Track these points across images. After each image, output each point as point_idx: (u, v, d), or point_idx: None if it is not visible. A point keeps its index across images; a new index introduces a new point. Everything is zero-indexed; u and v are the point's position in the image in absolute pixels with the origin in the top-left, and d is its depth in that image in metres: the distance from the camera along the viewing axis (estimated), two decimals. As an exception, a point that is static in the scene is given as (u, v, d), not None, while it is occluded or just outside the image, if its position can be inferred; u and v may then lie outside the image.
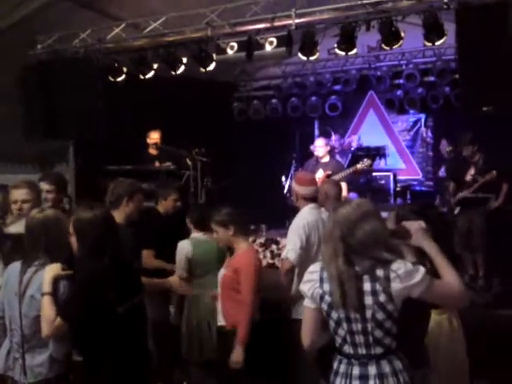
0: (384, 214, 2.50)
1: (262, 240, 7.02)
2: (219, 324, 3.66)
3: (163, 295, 4.29)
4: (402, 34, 5.29)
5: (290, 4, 5.41)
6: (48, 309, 2.60)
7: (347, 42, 5.41)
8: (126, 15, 6.35)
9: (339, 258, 2.14)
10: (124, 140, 7.01)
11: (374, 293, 2.09)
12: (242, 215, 3.69)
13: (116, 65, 6.54)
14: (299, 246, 3.66)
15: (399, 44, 5.38)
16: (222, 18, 5.72)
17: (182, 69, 6.23)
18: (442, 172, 7.34)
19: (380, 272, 2.09)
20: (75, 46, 6.39)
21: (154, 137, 6.97)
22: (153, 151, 7.01)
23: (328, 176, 6.37)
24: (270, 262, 6.92)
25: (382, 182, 8.50)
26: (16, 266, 2.82)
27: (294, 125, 9.81)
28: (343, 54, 5.62)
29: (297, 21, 5.36)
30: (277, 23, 5.52)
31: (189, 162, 6.89)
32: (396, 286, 2.07)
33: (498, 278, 6.04)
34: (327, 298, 2.18)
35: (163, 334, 4.23)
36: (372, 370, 2.13)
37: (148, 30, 6.09)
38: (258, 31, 5.64)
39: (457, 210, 6.40)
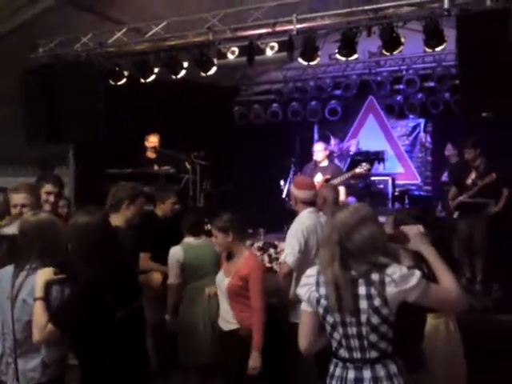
0: (382, 219, 2.52)
1: (259, 244, 7.01)
2: (229, 328, 3.59)
3: (161, 298, 4.29)
4: (403, 40, 5.31)
5: (291, 9, 5.43)
6: (39, 314, 2.57)
7: (348, 47, 5.43)
8: (127, 19, 6.37)
9: (335, 263, 2.15)
10: (124, 143, 7.02)
11: (369, 297, 2.10)
12: (241, 221, 3.69)
13: (117, 68, 6.55)
14: (298, 249, 3.68)
15: (400, 50, 5.40)
16: (223, 23, 5.74)
17: (182, 73, 6.24)
18: (444, 177, 7.31)
19: (375, 276, 2.10)
20: (76, 50, 6.41)
21: (153, 140, 6.99)
22: (151, 155, 7.03)
23: (327, 180, 6.38)
24: (268, 265, 6.90)
25: (381, 186, 8.51)
26: (9, 269, 2.79)
27: (294, 129, 9.84)
28: (344, 59, 5.64)
29: (298, 26, 5.38)
30: (278, 28, 5.53)
31: (188, 166, 6.90)
32: (391, 290, 2.08)
33: (497, 283, 6.04)
34: (323, 301, 2.20)
35: (161, 336, 4.23)
36: (367, 373, 2.14)
37: (149, 34, 6.11)
38: (259, 36, 5.66)
39: (456, 215, 6.41)
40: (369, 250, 2.13)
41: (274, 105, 9.43)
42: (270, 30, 5.57)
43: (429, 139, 9.46)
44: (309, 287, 2.25)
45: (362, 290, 2.11)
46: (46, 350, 2.67)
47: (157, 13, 6.14)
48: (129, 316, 2.62)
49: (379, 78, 8.70)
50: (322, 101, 9.24)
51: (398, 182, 8.92)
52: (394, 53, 5.53)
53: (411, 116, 9.09)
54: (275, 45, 5.53)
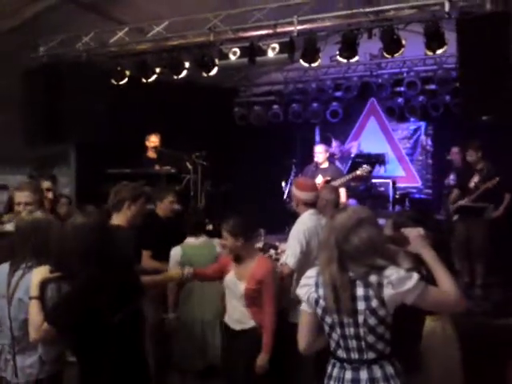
0: (382, 222, 2.52)
1: (260, 245, 7.02)
2: (243, 328, 3.56)
3: (162, 298, 4.30)
4: (404, 42, 5.32)
5: (292, 11, 5.45)
6: (35, 313, 2.58)
7: (349, 49, 5.44)
8: (129, 19, 6.38)
9: (333, 264, 2.15)
10: (125, 143, 7.03)
11: (367, 298, 2.11)
12: (251, 224, 3.69)
13: (119, 68, 6.56)
14: (299, 251, 3.69)
15: (400, 52, 5.41)
16: (224, 24, 5.76)
17: (184, 73, 6.25)
18: (451, 180, 7.26)
19: (373, 278, 2.11)
20: (78, 49, 6.41)
21: (154, 140, 7.00)
22: (152, 154, 7.03)
23: (327, 182, 6.39)
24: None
25: (382, 188, 8.54)
26: (4, 267, 2.80)
27: (294, 130, 9.85)
28: (345, 61, 5.65)
29: (299, 27, 5.40)
30: (279, 30, 5.55)
31: (189, 166, 6.91)
32: (388, 291, 2.09)
33: (497, 287, 6.05)
34: (322, 302, 2.20)
35: (161, 337, 4.24)
36: (363, 374, 2.15)
37: (151, 34, 6.12)
38: (261, 37, 5.67)
39: (455, 218, 6.42)
40: (367, 252, 2.13)
41: (275, 106, 9.44)
42: (271, 31, 5.59)
43: (430, 142, 9.47)
44: (308, 288, 2.26)
45: (359, 292, 2.12)
46: (42, 347, 2.70)
47: (159, 13, 6.14)
48: (127, 317, 2.61)
49: (380, 81, 8.70)
50: (323, 102, 9.24)
51: (399, 184, 8.93)
52: (395, 55, 5.54)
53: (412, 119, 9.10)
54: (276, 46, 5.55)
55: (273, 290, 3.47)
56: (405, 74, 8.54)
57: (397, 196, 8.49)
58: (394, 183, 8.59)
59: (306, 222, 3.85)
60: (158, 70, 6.38)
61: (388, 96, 8.83)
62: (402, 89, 8.55)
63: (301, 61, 5.74)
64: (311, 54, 5.63)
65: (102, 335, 2.55)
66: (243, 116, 9.55)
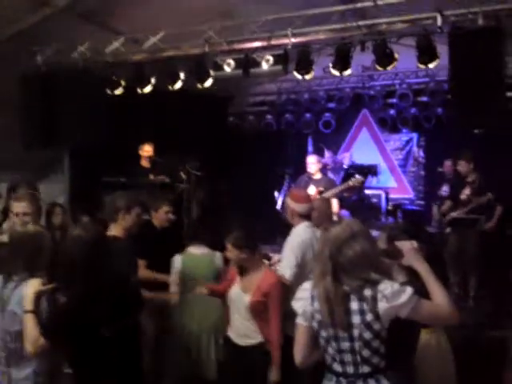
0: (375, 233, 2.54)
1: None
2: (250, 343, 3.53)
3: (163, 311, 4.30)
4: (396, 56, 5.37)
5: (286, 23, 5.49)
6: (31, 328, 2.57)
7: (342, 62, 5.47)
8: (125, 29, 6.41)
9: (327, 277, 2.17)
10: (120, 151, 7.04)
11: (362, 312, 2.12)
12: (254, 236, 3.65)
13: (114, 78, 6.58)
14: (294, 264, 3.68)
15: (393, 65, 5.45)
16: (219, 36, 5.79)
17: (179, 84, 6.28)
18: (441, 191, 7.30)
19: (367, 292, 2.13)
20: (74, 59, 6.42)
21: (148, 149, 7.01)
22: (146, 164, 7.04)
23: (320, 192, 6.42)
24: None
25: (374, 200, 8.59)
26: None
27: (287, 140, 9.90)
28: (338, 74, 5.69)
29: (293, 40, 5.43)
30: (273, 42, 5.57)
31: (183, 176, 6.93)
32: (383, 305, 2.11)
33: (489, 299, 6.08)
34: (317, 316, 2.22)
35: (163, 351, 4.23)
36: (359, 388, 2.15)
37: (147, 44, 6.14)
38: (255, 49, 5.70)
39: (448, 230, 6.46)
40: (360, 265, 2.15)
41: (268, 116, 9.51)
42: (265, 43, 5.61)
43: (422, 154, 9.55)
44: (304, 301, 2.28)
45: (354, 305, 2.13)
46: (37, 360, 2.69)
47: (154, 24, 6.18)
48: (125, 329, 2.61)
49: (372, 92, 8.78)
50: (316, 113, 9.31)
51: (391, 195, 8.99)
52: (388, 68, 5.59)
53: (404, 130, 9.17)
54: (270, 58, 5.58)
55: (279, 303, 3.41)
56: (397, 86, 8.61)
57: (389, 207, 8.54)
58: (386, 194, 8.64)
59: (300, 233, 3.86)
60: (153, 80, 6.40)
61: (380, 107, 8.92)
62: (395, 100, 8.63)
63: (295, 73, 5.78)
64: (305, 67, 5.66)
65: (99, 347, 2.55)
66: (237, 125, 9.59)
